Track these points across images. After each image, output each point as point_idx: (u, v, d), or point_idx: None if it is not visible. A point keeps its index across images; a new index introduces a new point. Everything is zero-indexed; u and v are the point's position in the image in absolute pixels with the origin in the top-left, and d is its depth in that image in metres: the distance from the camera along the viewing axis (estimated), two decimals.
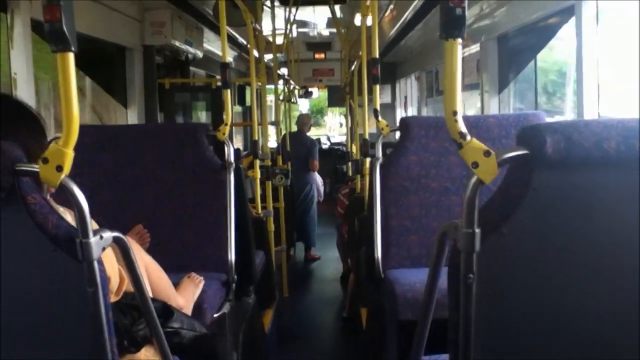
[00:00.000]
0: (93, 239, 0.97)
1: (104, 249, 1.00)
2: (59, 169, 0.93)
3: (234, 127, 5.73)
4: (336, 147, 11.01)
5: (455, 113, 0.94)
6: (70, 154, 0.94)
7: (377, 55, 2.71)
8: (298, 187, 6.02)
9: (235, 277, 2.36)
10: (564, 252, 0.97)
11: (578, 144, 0.90)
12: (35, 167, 0.94)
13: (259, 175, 3.52)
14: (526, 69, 3.64)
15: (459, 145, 0.94)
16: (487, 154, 0.92)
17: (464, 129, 0.94)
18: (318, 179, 6.48)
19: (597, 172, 0.93)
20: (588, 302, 0.98)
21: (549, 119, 2.45)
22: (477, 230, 0.94)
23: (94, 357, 1.03)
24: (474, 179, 0.94)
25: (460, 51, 0.94)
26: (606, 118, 0.95)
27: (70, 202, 0.96)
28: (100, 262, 1.00)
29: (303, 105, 13.20)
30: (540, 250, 0.97)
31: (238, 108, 8.39)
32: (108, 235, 1.02)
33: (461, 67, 0.95)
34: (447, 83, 0.95)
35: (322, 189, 6.55)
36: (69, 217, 1.11)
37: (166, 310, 1.42)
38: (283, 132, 6.25)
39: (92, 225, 0.98)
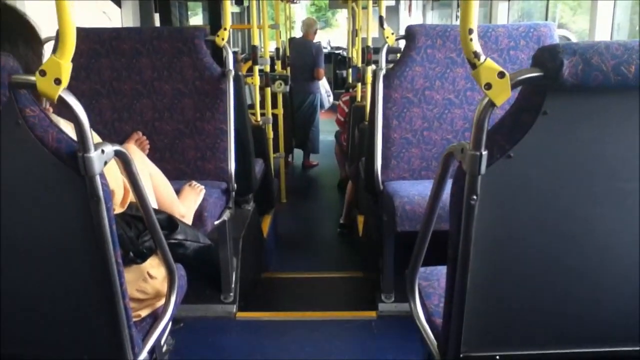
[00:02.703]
0: (95, 153, 0.96)
1: (105, 163, 0.99)
2: (57, 82, 0.90)
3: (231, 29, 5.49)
4: (336, 51, 10.74)
5: (471, 31, 0.89)
6: (68, 67, 0.90)
7: None
8: (301, 96, 5.81)
9: (235, 185, 2.37)
10: (572, 176, 0.96)
11: (597, 67, 0.87)
12: (32, 79, 0.90)
13: (258, 82, 3.44)
14: None
15: (472, 66, 0.90)
16: (500, 75, 0.89)
17: (478, 48, 0.89)
18: (325, 87, 6.25)
19: (613, 97, 0.91)
20: (592, 227, 0.99)
21: (560, 31, 2.36)
22: (485, 153, 0.93)
23: (99, 269, 1.05)
24: (485, 101, 0.91)
25: None
26: (628, 40, 0.91)
27: (70, 115, 0.94)
28: (102, 176, 0.99)
29: (299, 9, 11.86)
30: (547, 175, 0.97)
31: (236, 8, 8.08)
32: (109, 149, 1.01)
33: None
34: None
35: (329, 98, 6.25)
36: (69, 129, 1.09)
37: (170, 222, 1.43)
38: (282, 37, 5.99)
39: (93, 138, 0.97)
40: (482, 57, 0.90)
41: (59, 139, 0.97)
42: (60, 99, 0.91)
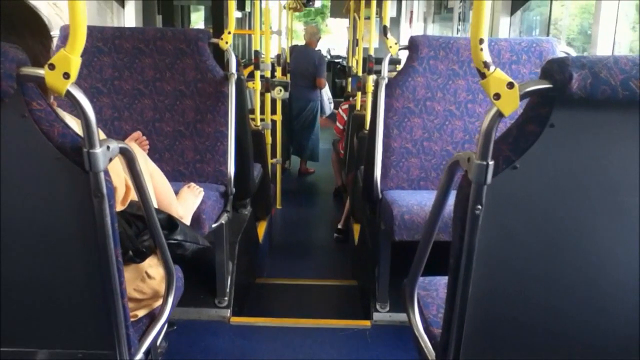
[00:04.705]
0: (100, 150, 0.96)
1: (110, 159, 0.99)
2: (66, 76, 0.90)
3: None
4: (336, 60, 10.78)
5: (481, 41, 0.89)
6: (77, 61, 0.90)
7: None
8: (301, 103, 5.79)
9: (234, 189, 2.37)
10: (576, 189, 0.96)
11: (605, 81, 0.87)
12: (41, 72, 0.90)
13: (259, 87, 3.44)
14: None
15: (482, 75, 0.90)
16: (510, 85, 0.89)
17: (488, 58, 0.90)
18: (328, 94, 6.16)
19: (619, 112, 0.91)
20: (595, 239, 0.99)
21: (562, 47, 2.38)
22: (491, 163, 0.93)
23: (99, 267, 1.04)
24: (493, 111, 0.91)
25: None
26: (635, 55, 0.91)
27: (77, 111, 0.94)
28: (106, 173, 0.99)
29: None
30: (552, 187, 0.97)
31: (237, 13, 8.10)
32: (115, 145, 1.00)
33: None
34: (475, 8, 0.90)
35: (331, 105, 6.17)
36: (73, 124, 1.09)
37: (170, 223, 1.42)
38: (288, 43, 5.95)
39: (99, 135, 0.96)
40: (492, 67, 0.90)
41: (64, 133, 0.97)
42: (68, 93, 0.91)
